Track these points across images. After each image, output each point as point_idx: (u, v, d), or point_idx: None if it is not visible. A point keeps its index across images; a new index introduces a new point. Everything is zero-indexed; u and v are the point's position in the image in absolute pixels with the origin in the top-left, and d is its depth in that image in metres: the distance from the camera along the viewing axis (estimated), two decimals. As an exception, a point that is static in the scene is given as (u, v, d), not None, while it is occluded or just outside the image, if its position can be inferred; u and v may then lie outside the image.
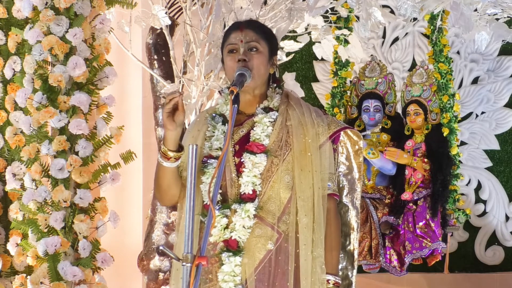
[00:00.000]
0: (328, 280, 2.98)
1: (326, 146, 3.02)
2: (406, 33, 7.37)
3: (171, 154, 2.94)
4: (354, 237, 3.14)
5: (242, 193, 2.96)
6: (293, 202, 2.96)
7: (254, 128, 3.01)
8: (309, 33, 5.82)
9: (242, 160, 2.98)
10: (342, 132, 3.08)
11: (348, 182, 3.13)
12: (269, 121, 3.01)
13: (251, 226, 2.93)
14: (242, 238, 2.93)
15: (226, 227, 2.95)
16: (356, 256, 3.14)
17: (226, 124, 3.03)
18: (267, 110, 3.03)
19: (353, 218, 3.14)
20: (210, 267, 2.97)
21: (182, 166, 3.04)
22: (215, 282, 2.95)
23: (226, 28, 5.11)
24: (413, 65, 7.17)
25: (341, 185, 3.12)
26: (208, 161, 3.01)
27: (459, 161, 6.51)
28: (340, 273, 3.11)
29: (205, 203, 2.99)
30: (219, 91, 3.20)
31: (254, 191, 2.95)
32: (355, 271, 3.15)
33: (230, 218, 2.95)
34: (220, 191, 2.97)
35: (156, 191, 3.09)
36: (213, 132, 3.05)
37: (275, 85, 3.09)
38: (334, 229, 3.02)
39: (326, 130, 3.03)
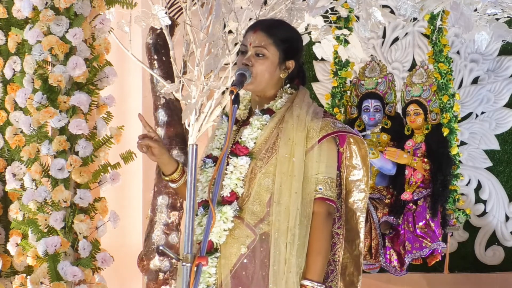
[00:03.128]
0: (305, 286, 2.88)
1: (314, 150, 2.92)
2: (406, 33, 7.36)
3: (169, 177, 3.02)
4: (360, 242, 3.06)
5: (222, 195, 2.94)
6: (272, 206, 2.90)
7: (244, 130, 2.99)
8: (309, 33, 5.80)
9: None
10: (348, 135, 3.01)
11: (355, 186, 3.06)
12: (260, 124, 2.96)
13: (228, 228, 2.90)
14: (218, 240, 2.90)
15: None
16: (361, 261, 3.08)
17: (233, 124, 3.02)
18: (264, 112, 2.99)
19: (359, 223, 3.06)
20: None
21: None
22: None
23: (227, 28, 5.15)
24: (413, 65, 7.16)
25: (347, 189, 3.05)
26: (205, 160, 3.01)
27: (459, 161, 6.50)
28: (347, 278, 3.07)
29: (198, 200, 2.98)
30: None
31: (232, 194, 2.92)
32: (360, 276, 3.08)
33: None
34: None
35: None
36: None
37: (288, 85, 3.03)
38: (319, 234, 2.91)
39: (316, 134, 2.93)
